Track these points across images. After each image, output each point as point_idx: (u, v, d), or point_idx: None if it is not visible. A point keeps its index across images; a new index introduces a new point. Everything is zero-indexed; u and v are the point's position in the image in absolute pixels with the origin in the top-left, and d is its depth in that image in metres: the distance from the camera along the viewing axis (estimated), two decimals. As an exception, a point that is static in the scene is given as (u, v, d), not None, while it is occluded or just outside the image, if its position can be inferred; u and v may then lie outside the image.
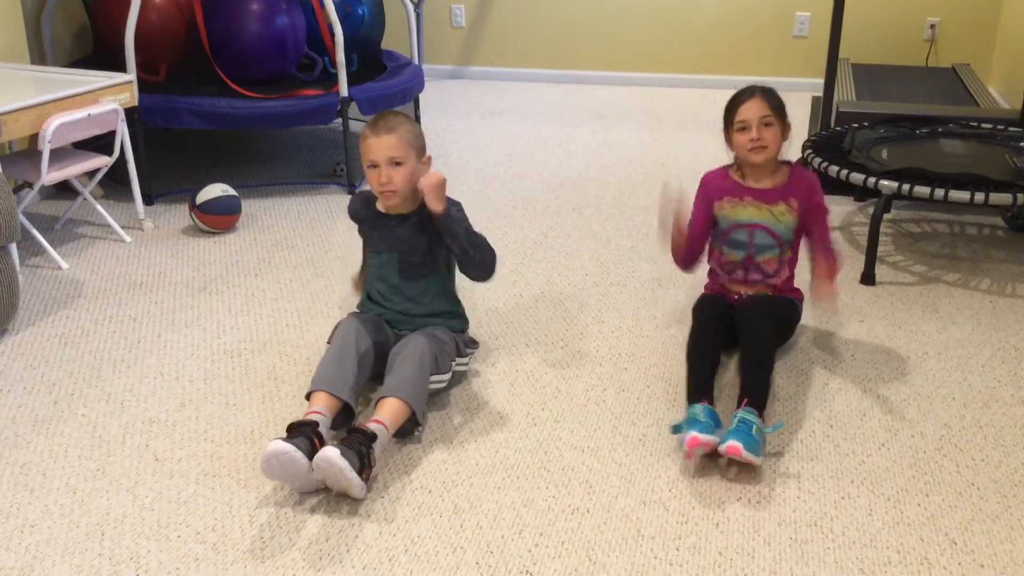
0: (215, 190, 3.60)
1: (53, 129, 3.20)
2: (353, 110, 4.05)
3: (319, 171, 4.40)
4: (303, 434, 2.09)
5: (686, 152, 4.68)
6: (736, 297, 2.70)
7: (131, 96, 3.60)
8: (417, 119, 4.66)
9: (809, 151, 3.56)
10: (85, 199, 3.65)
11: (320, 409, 2.20)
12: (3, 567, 1.93)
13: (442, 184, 2.40)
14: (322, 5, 4.09)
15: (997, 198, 3.09)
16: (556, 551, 1.97)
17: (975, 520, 2.06)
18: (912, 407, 2.49)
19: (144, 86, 3.91)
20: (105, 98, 3.44)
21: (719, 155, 2.75)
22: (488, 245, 2.50)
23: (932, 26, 5.64)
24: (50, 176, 3.30)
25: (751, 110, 2.57)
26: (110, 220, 3.61)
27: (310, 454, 2.06)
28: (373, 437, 2.12)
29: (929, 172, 3.23)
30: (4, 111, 3.09)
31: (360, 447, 2.08)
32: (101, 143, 3.53)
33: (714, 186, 2.69)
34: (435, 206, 2.39)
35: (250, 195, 4.03)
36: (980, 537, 2.01)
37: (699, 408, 2.24)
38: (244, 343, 2.82)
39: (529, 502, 2.12)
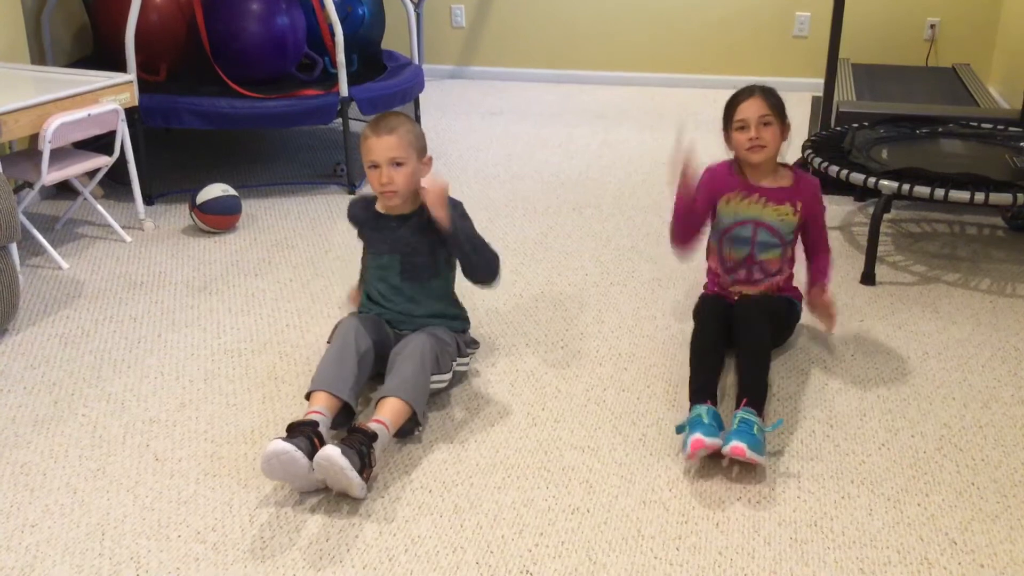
0: (215, 190, 3.60)
1: (53, 129, 3.20)
2: (353, 110, 4.05)
3: (319, 171, 4.41)
4: (303, 434, 2.09)
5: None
6: (736, 298, 2.70)
7: (131, 96, 3.60)
8: (417, 119, 4.67)
9: (809, 151, 3.56)
10: (85, 199, 3.65)
11: (320, 409, 2.21)
12: (3, 567, 1.93)
13: (445, 193, 2.38)
14: (322, 5, 4.10)
15: (997, 198, 3.09)
16: (556, 551, 1.97)
17: (975, 520, 2.06)
18: (912, 407, 2.49)
19: (144, 86, 3.91)
20: (105, 98, 3.45)
21: (719, 155, 2.75)
22: (492, 251, 2.50)
23: (932, 26, 5.64)
24: (50, 176, 3.30)
25: (750, 109, 2.57)
26: (110, 220, 3.61)
27: (310, 454, 2.06)
28: (374, 437, 2.12)
29: (929, 172, 3.23)
30: (4, 111, 3.09)
31: (361, 446, 2.08)
32: (101, 143, 3.53)
33: (721, 179, 2.67)
34: (440, 215, 2.38)
35: (250, 195, 4.03)
36: (980, 537, 2.01)
37: (703, 409, 2.24)
38: (244, 343, 2.83)
39: (529, 502, 2.12)
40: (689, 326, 2.64)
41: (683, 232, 2.68)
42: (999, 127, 3.84)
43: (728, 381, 2.58)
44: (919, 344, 2.82)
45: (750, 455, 2.13)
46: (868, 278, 3.22)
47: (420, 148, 2.46)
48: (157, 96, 3.90)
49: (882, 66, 5.35)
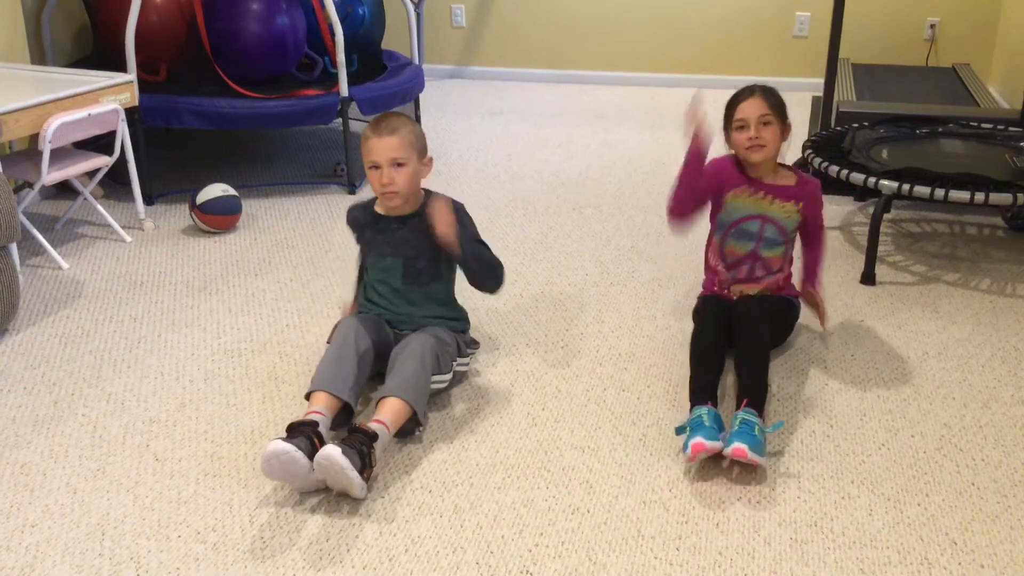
0: (215, 190, 3.60)
1: (53, 129, 3.20)
2: (353, 110, 4.05)
3: (319, 171, 4.41)
4: (303, 434, 2.09)
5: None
6: (735, 297, 2.70)
7: (131, 96, 3.60)
8: (417, 119, 4.67)
9: (809, 151, 3.56)
10: (85, 199, 3.65)
11: (320, 409, 2.21)
12: (3, 567, 1.93)
13: (453, 223, 2.36)
14: (322, 5, 4.10)
15: (997, 198, 3.09)
16: (556, 551, 1.97)
17: (975, 520, 2.06)
18: (912, 407, 2.49)
19: (144, 86, 3.91)
20: (105, 98, 3.45)
21: (719, 154, 2.75)
22: (496, 261, 2.52)
23: (932, 26, 5.64)
24: (50, 176, 3.30)
25: (750, 109, 2.57)
26: (110, 220, 3.61)
27: (310, 454, 2.06)
28: (374, 437, 2.12)
29: (929, 172, 3.23)
30: (4, 111, 3.09)
31: (361, 446, 2.08)
32: (101, 143, 3.53)
33: (727, 172, 2.66)
34: (450, 244, 2.37)
35: (250, 195, 4.03)
36: (980, 537, 2.01)
37: (704, 410, 2.24)
38: (244, 343, 2.83)
39: (529, 502, 2.12)
40: (689, 326, 2.65)
41: (684, 199, 2.60)
42: (999, 127, 3.84)
43: (728, 381, 2.58)
44: (919, 344, 2.82)
45: (751, 457, 2.13)
46: (868, 278, 3.22)
47: (421, 149, 2.46)
48: (157, 96, 3.90)
49: (882, 66, 5.35)
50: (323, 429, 2.16)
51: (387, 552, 1.97)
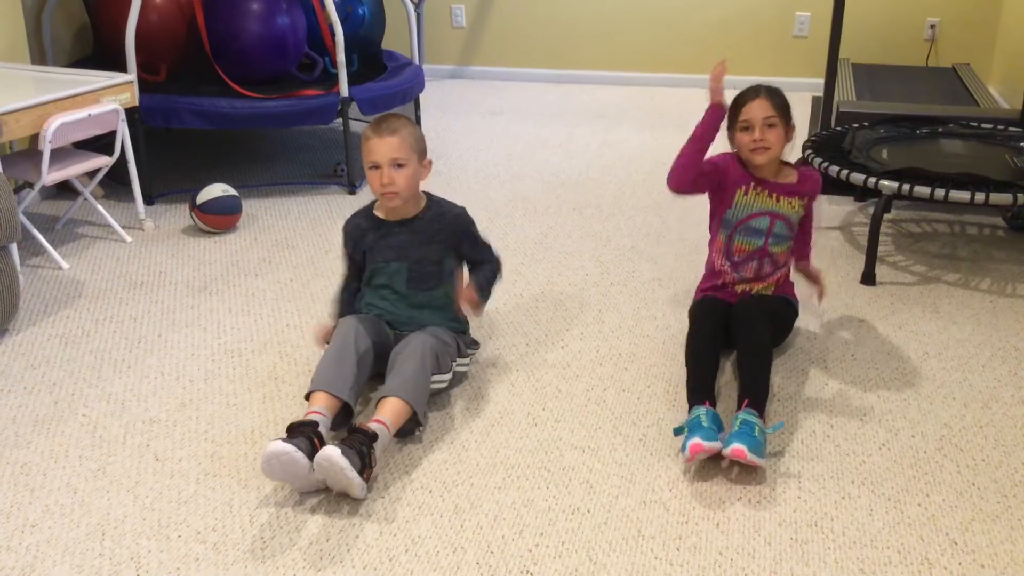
0: (215, 190, 3.60)
1: (54, 129, 3.20)
2: (353, 110, 4.05)
3: (319, 171, 4.41)
4: (303, 434, 2.09)
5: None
6: (738, 293, 2.68)
7: (132, 96, 3.60)
8: (417, 119, 4.67)
9: (809, 151, 3.56)
10: (86, 199, 3.65)
11: (320, 409, 2.21)
12: (4, 567, 1.93)
13: (475, 299, 2.51)
14: (322, 5, 4.10)
15: (997, 198, 3.09)
16: (556, 551, 1.97)
17: (976, 520, 2.06)
18: (912, 407, 2.49)
19: (145, 86, 3.91)
20: (105, 98, 3.45)
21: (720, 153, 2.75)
22: (498, 270, 2.64)
23: (932, 26, 5.64)
24: (51, 176, 3.30)
25: (755, 110, 2.56)
26: (111, 220, 3.61)
27: (310, 454, 2.06)
28: (374, 437, 2.12)
29: (929, 172, 3.23)
30: (5, 111, 3.09)
31: (361, 447, 2.08)
32: (101, 143, 3.53)
33: (732, 171, 2.65)
34: (476, 314, 2.59)
35: (250, 195, 4.03)
36: (981, 537, 2.01)
37: (702, 411, 2.23)
38: (244, 343, 2.83)
39: (529, 502, 2.12)
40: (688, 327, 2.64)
41: (686, 167, 2.58)
42: (999, 127, 3.84)
43: (723, 381, 2.58)
44: (919, 344, 2.82)
45: (751, 457, 2.13)
46: (868, 278, 3.22)
47: (421, 151, 2.46)
48: (157, 96, 3.90)
49: (882, 66, 5.35)
50: (323, 429, 2.16)
51: (387, 552, 1.97)
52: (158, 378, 2.64)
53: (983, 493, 2.15)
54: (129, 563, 1.94)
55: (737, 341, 2.49)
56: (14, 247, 3.01)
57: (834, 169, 3.37)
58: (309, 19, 4.28)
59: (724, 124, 2.62)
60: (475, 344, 2.68)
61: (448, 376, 2.46)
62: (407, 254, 2.50)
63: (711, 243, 2.76)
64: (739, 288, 2.69)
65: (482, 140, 4.91)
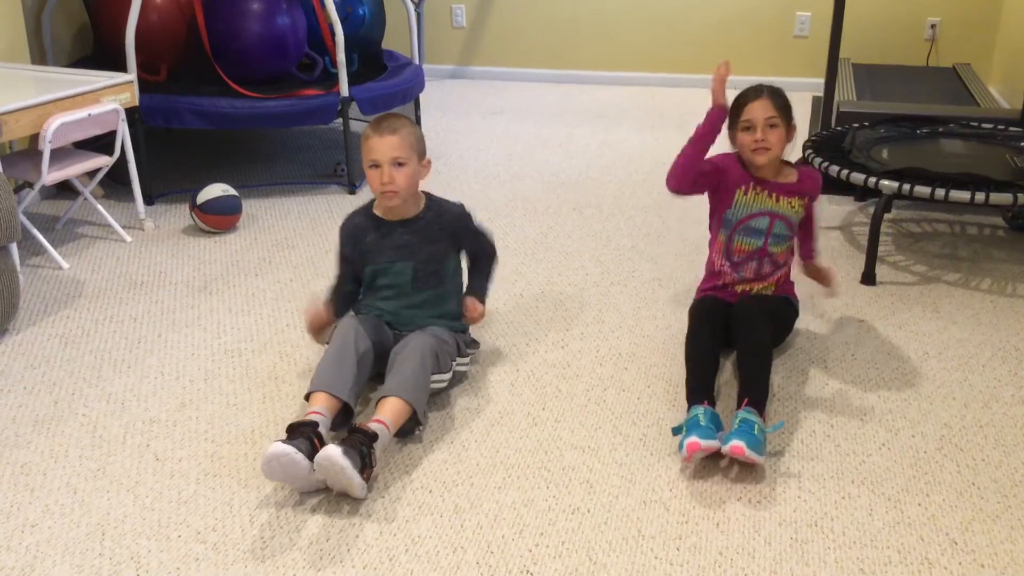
0: (215, 190, 3.60)
1: (54, 129, 3.20)
2: (353, 110, 4.05)
3: (319, 171, 4.41)
4: (303, 435, 2.09)
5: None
6: (736, 294, 2.68)
7: (132, 96, 3.60)
8: (417, 119, 4.67)
9: (809, 151, 3.56)
10: (86, 199, 3.65)
11: (320, 409, 2.21)
12: (4, 567, 1.93)
13: (481, 313, 2.60)
14: (323, 5, 4.10)
15: (997, 198, 3.09)
16: (556, 551, 1.97)
17: (976, 520, 2.06)
18: (912, 407, 2.49)
19: (145, 86, 3.91)
20: (106, 98, 3.45)
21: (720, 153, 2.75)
22: (494, 267, 2.69)
23: (932, 26, 5.64)
24: (51, 176, 3.30)
25: (757, 110, 2.56)
26: (111, 220, 3.61)
27: (310, 455, 2.06)
28: (374, 437, 2.12)
29: (929, 172, 3.23)
30: (5, 111, 3.09)
31: (361, 447, 2.08)
32: (101, 143, 3.53)
33: (732, 170, 2.64)
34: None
35: (250, 195, 4.03)
36: (981, 537, 2.01)
37: (700, 410, 2.24)
38: (245, 343, 2.83)
39: (529, 502, 2.12)
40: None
41: (686, 167, 2.58)
42: (999, 127, 3.84)
43: (723, 381, 2.58)
44: (919, 344, 2.82)
45: (749, 454, 2.13)
46: (868, 278, 3.22)
47: (420, 150, 2.46)
48: (157, 96, 3.90)
49: (882, 66, 5.35)
50: (323, 429, 2.16)
51: (387, 552, 1.97)
52: (158, 378, 2.64)
53: (983, 493, 2.15)
54: (129, 563, 1.94)
55: (737, 341, 2.49)
56: (14, 247, 3.01)
57: (834, 169, 3.37)
58: (309, 19, 4.28)
59: (725, 124, 2.62)
60: (475, 344, 2.68)
61: (448, 376, 2.46)
62: (410, 254, 2.50)
63: (711, 243, 2.76)
64: (739, 288, 2.69)
65: (482, 140, 4.91)
